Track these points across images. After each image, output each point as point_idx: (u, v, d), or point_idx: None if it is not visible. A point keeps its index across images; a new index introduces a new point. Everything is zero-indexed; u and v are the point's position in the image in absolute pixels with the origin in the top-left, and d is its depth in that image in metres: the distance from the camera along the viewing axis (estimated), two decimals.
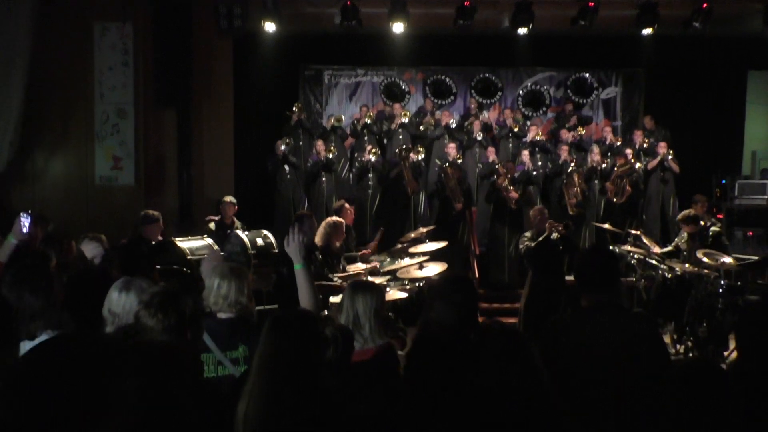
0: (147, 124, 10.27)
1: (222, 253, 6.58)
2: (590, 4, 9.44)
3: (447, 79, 12.29)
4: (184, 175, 10.28)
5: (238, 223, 8.33)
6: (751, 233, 9.72)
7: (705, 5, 9.31)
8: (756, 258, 7.87)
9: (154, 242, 6.34)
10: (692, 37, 10.49)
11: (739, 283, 6.94)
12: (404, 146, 10.06)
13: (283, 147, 10.20)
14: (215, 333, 3.10)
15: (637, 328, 2.82)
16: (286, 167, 10.33)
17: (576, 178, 9.37)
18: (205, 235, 6.93)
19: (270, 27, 9.70)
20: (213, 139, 10.88)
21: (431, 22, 10.73)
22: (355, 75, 12.67)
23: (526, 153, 10.14)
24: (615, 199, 9.45)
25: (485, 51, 11.89)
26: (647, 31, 9.66)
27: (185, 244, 5.91)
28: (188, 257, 5.49)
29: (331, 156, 10.18)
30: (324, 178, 10.23)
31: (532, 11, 9.50)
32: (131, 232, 7.09)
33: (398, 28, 9.66)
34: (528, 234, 7.17)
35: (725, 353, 6.76)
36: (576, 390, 2.58)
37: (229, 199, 8.43)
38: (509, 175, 9.28)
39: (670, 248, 7.90)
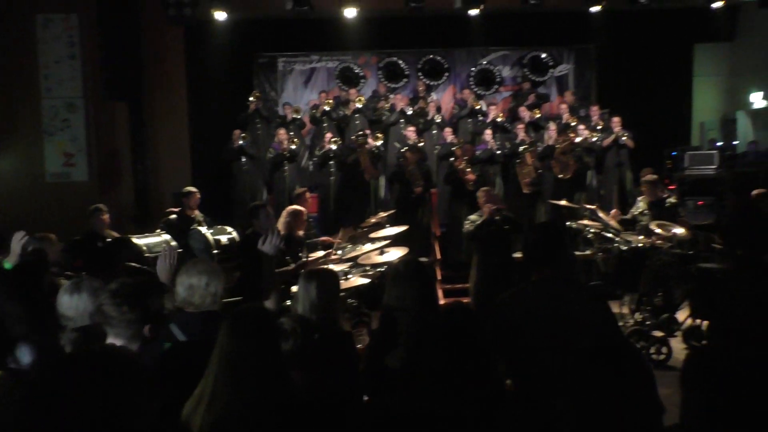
0: (98, 117, 10.06)
1: (180, 250, 6.52)
2: None
3: (400, 62, 12.26)
4: (140, 167, 10.12)
5: (200, 216, 8.22)
6: (701, 202, 10.00)
7: None
8: (708, 222, 8.08)
9: (108, 238, 6.25)
10: (640, 12, 10.67)
11: (690, 252, 7.16)
12: (361, 132, 10.04)
13: (241, 142, 10.08)
14: (187, 325, 3.07)
15: (581, 300, 2.92)
16: (243, 158, 10.23)
17: (528, 157, 9.49)
18: (161, 231, 6.82)
19: (220, 15, 9.54)
20: (167, 130, 10.73)
21: (383, 5, 10.70)
22: (309, 61, 12.59)
23: (488, 132, 10.19)
24: (561, 175, 9.62)
25: (438, 32, 11.92)
26: (595, 8, 9.78)
27: (142, 240, 5.83)
28: (145, 254, 5.41)
29: (294, 147, 10.11)
30: (286, 168, 10.15)
31: None
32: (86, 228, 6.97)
33: (350, 12, 9.60)
34: (473, 217, 7.18)
35: (680, 319, 6.99)
36: (526, 361, 2.66)
37: (193, 189, 8.29)
38: (466, 157, 9.34)
39: (627, 217, 8.12)
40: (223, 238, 6.84)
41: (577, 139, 9.79)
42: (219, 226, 7.60)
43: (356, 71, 12.21)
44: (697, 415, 2.19)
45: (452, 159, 9.50)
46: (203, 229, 6.74)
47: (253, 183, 10.29)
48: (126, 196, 10.13)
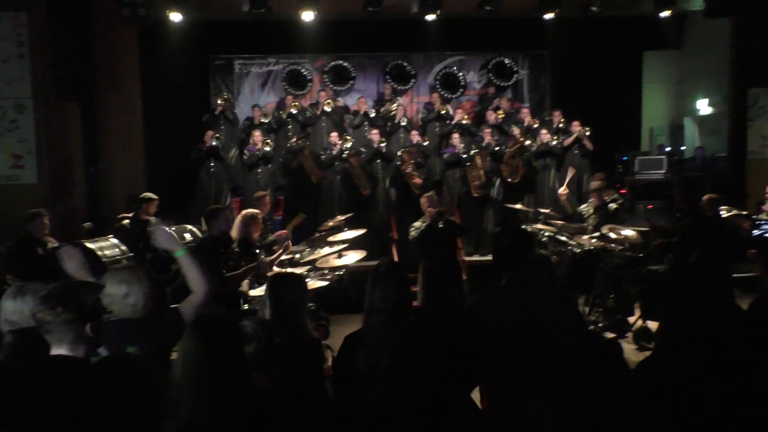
0: (49, 118, 9.82)
1: (132, 254, 6.40)
2: None
3: (345, 64, 12.27)
4: (92, 170, 9.89)
5: (154, 220, 8.09)
6: (650, 206, 10.29)
7: None
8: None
9: (47, 244, 6.12)
10: (592, 20, 10.92)
11: (641, 255, 7.37)
12: (297, 136, 10.06)
13: (215, 142, 10.03)
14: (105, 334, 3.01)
15: (550, 302, 2.98)
16: (211, 160, 10.16)
17: (478, 161, 9.64)
18: (111, 235, 6.69)
19: (176, 16, 9.42)
20: (121, 132, 10.53)
21: (341, 8, 10.71)
22: (267, 63, 12.52)
23: (456, 136, 10.31)
24: (510, 179, 9.81)
25: (396, 36, 11.97)
26: (549, 15, 9.98)
27: (95, 245, 5.71)
28: (103, 260, 5.32)
29: (268, 149, 10.04)
30: (260, 170, 10.09)
31: None
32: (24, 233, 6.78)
33: (308, 16, 9.59)
34: (417, 223, 7.25)
35: (631, 320, 7.18)
36: (498, 363, 2.70)
37: (154, 197, 8.17)
38: (413, 161, 9.45)
39: (577, 209, 8.30)
40: (187, 235, 6.79)
41: (527, 142, 10.00)
42: (178, 225, 7.49)
43: (304, 74, 12.17)
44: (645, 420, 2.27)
45: (399, 163, 9.58)
46: (165, 227, 6.64)
47: (218, 186, 10.25)
48: (78, 199, 9.90)
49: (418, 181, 9.32)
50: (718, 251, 3.36)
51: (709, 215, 7.13)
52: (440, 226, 7.05)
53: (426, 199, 7.26)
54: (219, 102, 10.95)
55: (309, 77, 12.17)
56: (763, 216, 8.27)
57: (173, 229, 6.84)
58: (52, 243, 6.55)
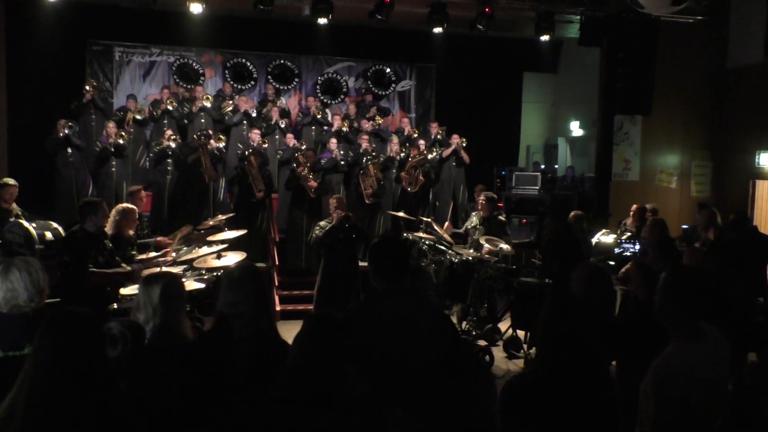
0: None
1: None
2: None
3: (248, 64, 12.09)
4: None
5: (17, 209, 7.50)
6: (525, 220, 10.78)
7: (487, 9, 10.07)
8: (528, 240, 8.69)
9: None
10: (478, 38, 11.34)
11: (514, 267, 7.70)
12: (203, 131, 9.74)
13: (67, 131, 9.36)
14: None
15: (423, 313, 2.99)
16: (69, 149, 9.51)
17: (371, 168, 9.73)
18: None
19: None
20: None
21: (231, 5, 10.48)
22: (150, 54, 12.01)
23: (333, 141, 10.31)
24: (409, 189, 9.97)
25: (286, 37, 11.89)
26: (438, 29, 10.24)
27: None
28: None
29: (121, 141, 9.53)
30: (114, 163, 9.57)
31: (332, 1, 9.61)
32: None
33: (195, 8, 9.27)
34: (322, 223, 7.30)
35: (502, 329, 7.47)
36: (372, 370, 2.71)
37: (10, 182, 7.52)
38: (308, 164, 9.39)
39: (460, 231, 8.55)
40: (48, 233, 6.38)
41: (430, 156, 10.19)
42: (42, 221, 7.02)
43: (196, 68, 11.83)
44: None
45: (294, 165, 9.49)
46: (24, 222, 6.21)
47: (80, 176, 9.63)
48: None
49: (313, 184, 9.24)
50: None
51: (577, 232, 7.55)
52: (346, 226, 7.07)
53: (335, 200, 7.32)
54: (87, 89, 10.31)
55: (201, 71, 11.84)
56: (626, 233, 8.85)
57: (34, 226, 6.44)
58: None
